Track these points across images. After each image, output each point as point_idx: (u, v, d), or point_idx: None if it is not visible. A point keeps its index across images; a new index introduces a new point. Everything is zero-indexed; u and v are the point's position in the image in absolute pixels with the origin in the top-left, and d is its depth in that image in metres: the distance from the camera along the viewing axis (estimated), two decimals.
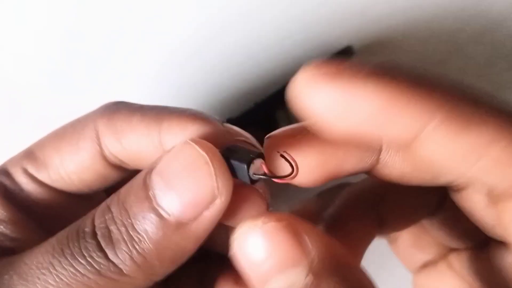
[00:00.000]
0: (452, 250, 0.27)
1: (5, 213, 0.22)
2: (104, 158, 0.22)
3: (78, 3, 0.33)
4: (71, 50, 0.35)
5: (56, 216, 0.23)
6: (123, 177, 0.23)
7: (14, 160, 0.23)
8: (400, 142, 0.17)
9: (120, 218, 0.18)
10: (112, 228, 0.18)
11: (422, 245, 0.27)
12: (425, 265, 0.27)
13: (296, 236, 0.17)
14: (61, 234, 0.19)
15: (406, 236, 0.28)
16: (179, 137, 0.20)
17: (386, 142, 0.19)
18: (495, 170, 0.16)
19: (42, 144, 0.23)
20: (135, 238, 0.18)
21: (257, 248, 0.17)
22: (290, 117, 0.37)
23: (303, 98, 0.17)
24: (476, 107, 0.16)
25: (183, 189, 0.18)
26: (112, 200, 0.19)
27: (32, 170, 0.22)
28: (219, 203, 0.18)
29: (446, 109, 0.16)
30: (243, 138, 0.21)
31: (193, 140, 0.18)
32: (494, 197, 0.18)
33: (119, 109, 0.22)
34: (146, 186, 0.18)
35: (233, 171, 0.19)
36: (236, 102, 0.38)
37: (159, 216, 0.18)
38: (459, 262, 0.26)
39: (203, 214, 0.18)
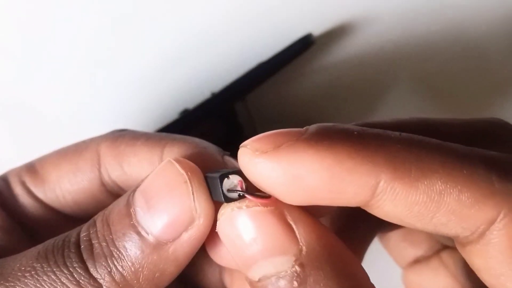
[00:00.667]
0: (446, 246, 0.26)
1: None
2: (102, 182, 0.22)
3: None
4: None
5: (47, 231, 0.23)
6: None
7: (16, 170, 0.23)
8: (355, 204, 0.16)
9: (103, 233, 0.18)
10: (95, 242, 0.18)
11: (414, 240, 0.27)
12: (417, 261, 0.27)
13: (283, 222, 0.16)
14: (48, 242, 0.19)
15: (397, 230, 0.27)
16: None
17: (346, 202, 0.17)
18: (452, 224, 0.16)
19: (45, 159, 0.23)
20: (115, 255, 0.18)
21: (243, 229, 0.16)
22: (250, 109, 0.36)
23: (250, 174, 0.16)
24: (424, 160, 0.15)
25: (162, 208, 0.18)
26: (99, 215, 0.19)
27: (29, 183, 0.23)
28: (198, 226, 0.18)
29: (391, 167, 0.15)
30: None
31: (175, 159, 0.18)
32: (459, 243, 0.17)
33: (124, 134, 0.23)
34: (128, 204, 0.19)
35: (211, 191, 0.18)
36: (192, 92, 0.36)
37: (138, 234, 0.18)
38: (453, 260, 0.25)
39: (182, 236, 0.18)
